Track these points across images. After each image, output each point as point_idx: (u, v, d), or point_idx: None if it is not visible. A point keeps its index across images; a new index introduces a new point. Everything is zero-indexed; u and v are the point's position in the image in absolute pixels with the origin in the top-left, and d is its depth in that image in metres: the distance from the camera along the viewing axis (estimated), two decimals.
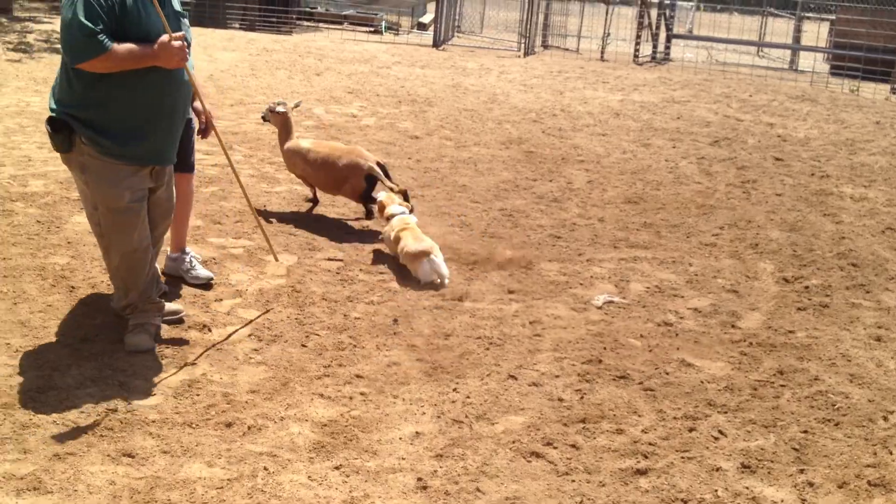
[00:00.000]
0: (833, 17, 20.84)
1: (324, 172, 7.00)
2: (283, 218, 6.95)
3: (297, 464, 3.81)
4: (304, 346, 4.91)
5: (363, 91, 12.64)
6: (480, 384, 4.62)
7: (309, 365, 4.69)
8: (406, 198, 6.63)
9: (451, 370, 4.75)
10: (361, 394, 4.44)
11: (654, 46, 19.76)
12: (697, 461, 4.03)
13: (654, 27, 19.92)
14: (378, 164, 6.91)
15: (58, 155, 4.64)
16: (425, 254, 5.87)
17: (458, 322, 5.37)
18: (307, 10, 22.10)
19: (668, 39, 20.21)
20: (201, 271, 5.59)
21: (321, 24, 21.32)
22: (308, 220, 6.95)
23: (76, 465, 3.66)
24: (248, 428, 4.05)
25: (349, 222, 7.05)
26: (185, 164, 5.34)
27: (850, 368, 5.06)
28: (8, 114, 9.33)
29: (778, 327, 5.59)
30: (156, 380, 4.42)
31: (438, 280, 5.88)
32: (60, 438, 3.84)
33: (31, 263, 5.58)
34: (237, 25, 19.52)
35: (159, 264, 5.22)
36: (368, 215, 7.13)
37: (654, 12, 19.91)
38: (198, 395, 4.31)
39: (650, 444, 4.14)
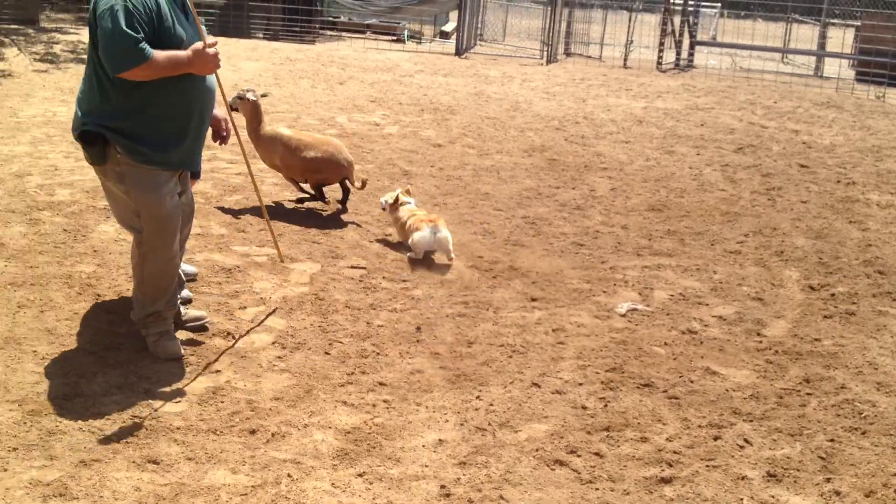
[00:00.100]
0: (858, 23, 20.68)
1: (304, 160, 7.20)
2: (307, 226, 6.97)
3: (320, 471, 3.82)
4: (327, 353, 4.92)
5: (386, 99, 12.68)
6: (504, 392, 4.61)
7: (332, 372, 4.70)
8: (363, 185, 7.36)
9: (474, 378, 4.75)
10: (385, 401, 4.45)
11: (678, 53, 19.69)
12: (723, 470, 4.00)
13: (677, 34, 19.84)
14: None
15: (84, 164, 4.69)
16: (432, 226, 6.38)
17: (480, 330, 5.37)
18: (330, 19, 22.20)
19: (692, 46, 20.14)
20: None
21: (344, 34, 21.40)
22: (331, 229, 6.97)
23: (102, 471, 3.69)
24: (272, 435, 4.07)
25: (372, 230, 7.06)
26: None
27: (876, 377, 5.01)
28: (35, 123, 9.43)
29: (804, 335, 5.55)
30: (180, 387, 4.45)
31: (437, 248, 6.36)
32: (86, 445, 3.87)
33: (57, 272, 5.63)
34: (261, 35, 19.64)
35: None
36: (315, 199, 7.48)
37: (677, 19, 19.84)
38: (222, 402, 4.33)
39: (675, 452, 4.12)
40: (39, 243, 6.05)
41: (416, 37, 22.53)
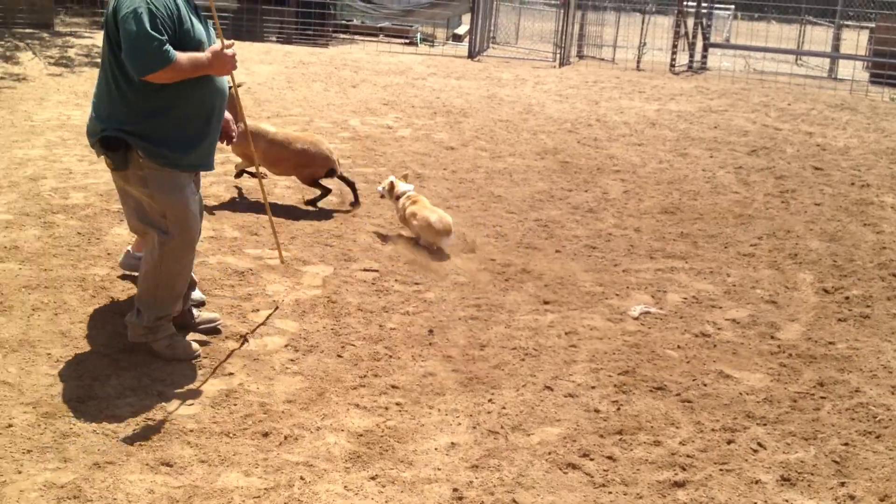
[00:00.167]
0: (873, 24, 20.58)
1: (287, 155, 7.34)
2: (320, 229, 6.98)
3: (333, 474, 3.82)
4: (339, 356, 4.93)
5: (399, 102, 12.70)
6: (516, 395, 4.61)
7: (345, 375, 4.71)
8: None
9: (486, 381, 4.74)
10: (397, 404, 4.45)
11: (691, 55, 19.64)
12: (736, 474, 3.98)
13: (690, 36, 19.79)
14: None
15: (98, 167, 4.71)
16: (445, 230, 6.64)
17: (493, 333, 5.36)
18: (343, 22, 22.25)
19: (705, 48, 20.08)
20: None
21: (357, 37, 21.44)
22: (344, 231, 6.98)
23: (116, 473, 3.70)
24: (285, 438, 4.07)
25: (385, 233, 7.07)
26: None
27: (891, 380, 4.98)
28: (49, 127, 9.48)
29: (818, 338, 5.52)
30: (193, 389, 4.46)
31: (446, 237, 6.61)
32: (100, 447, 3.88)
33: (71, 274, 5.66)
34: (274, 39, 19.70)
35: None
36: (317, 200, 7.61)
37: (690, 21, 19.79)
38: (235, 404, 4.34)
39: (688, 456, 4.11)
40: (54, 246, 6.08)
41: (429, 40, 22.56)
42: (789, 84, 17.64)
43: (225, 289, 5.68)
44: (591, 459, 4.05)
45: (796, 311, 5.97)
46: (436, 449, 4.07)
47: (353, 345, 5.07)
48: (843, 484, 3.94)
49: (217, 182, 7.89)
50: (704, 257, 6.95)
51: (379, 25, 22.06)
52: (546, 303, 5.87)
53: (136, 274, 5.53)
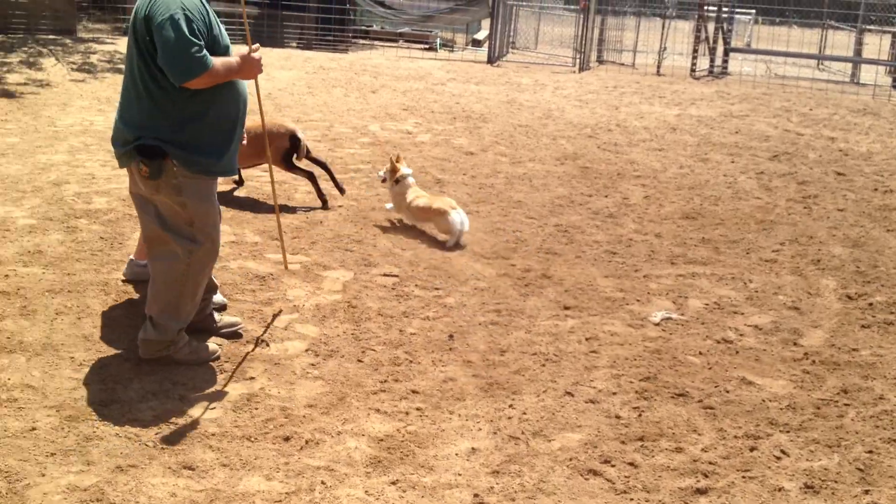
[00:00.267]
0: (895, 28, 20.44)
1: (250, 142, 7.28)
2: (340, 234, 7.00)
3: (354, 478, 3.83)
4: (360, 361, 4.93)
5: (418, 108, 12.72)
6: (537, 400, 4.60)
7: (365, 380, 4.71)
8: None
9: (507, 386, 4.74)
10: (417, 409, 4.45)
11: (712, 60, 19.56)
12: (759, 481, 3.96)
13: (711, 41, 19.72)
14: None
15: (120, 173, 4.74)
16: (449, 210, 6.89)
17: (513, 338, 5.35)
18: (363, 28, 22.31)
19: (726, 53, 20.00)
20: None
21: (377, 43, 21.50)
22: (364, 237, 6.99)
23: (138, 477, 3.72)
24: (306, 442, 4.08)
25: (405, 238, 7.08)
26: None
27: None
28: (73, 132, 9.56)
29: (841, 345, 5.48)
30: (215, 393, 4.48)
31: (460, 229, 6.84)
32: (123, 451, 3.90)
33: (94, 279, 5.70)
34: (294, 44, 19.79)
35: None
36: (322, 195, 7.68)
37: (711, 26, 19.72)
38: (256, 408, 4.35)
39: (710, 463, 4.08)
40: (77, 251, 6.12)
41: (449, 45, 22.58)
42: (811, 89, 17.53)
43: (246, 293, 5.70)
44: (613, 466, 4.03)
45: (819, 317, 5.93)
46: (456, 454, 4.06)
47: (374, 350, 5.08)
48: (867, 492, 3.90)
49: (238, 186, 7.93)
50: (726, 263, 6.91)
51: (399, 31, 22.11)
52: (566, 308, 5.86)
53: (141, 280, 5.60)
